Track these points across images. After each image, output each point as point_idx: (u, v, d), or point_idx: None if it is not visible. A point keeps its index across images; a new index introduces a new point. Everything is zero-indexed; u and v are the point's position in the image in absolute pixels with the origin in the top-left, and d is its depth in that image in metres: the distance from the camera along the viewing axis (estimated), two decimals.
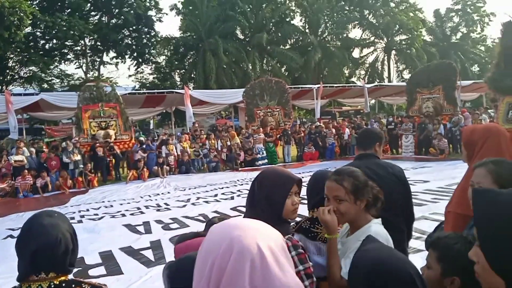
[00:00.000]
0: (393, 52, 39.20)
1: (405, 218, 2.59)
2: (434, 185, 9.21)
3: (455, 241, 1.47)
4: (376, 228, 1.83)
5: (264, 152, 16.21)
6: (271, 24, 34.10)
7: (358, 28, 38.69)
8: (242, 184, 11.64)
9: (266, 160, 16.10)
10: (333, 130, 17.53)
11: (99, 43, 32.72)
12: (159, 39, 34.11)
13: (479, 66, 41.05)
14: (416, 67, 35.48)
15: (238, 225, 0.90)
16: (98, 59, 34.41)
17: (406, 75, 37.99)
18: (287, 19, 35.21)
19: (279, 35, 34.37)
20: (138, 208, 9.19)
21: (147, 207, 9.31)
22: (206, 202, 9.37)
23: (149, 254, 5.66)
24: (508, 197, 1.04)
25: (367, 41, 39.35)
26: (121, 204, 9.89)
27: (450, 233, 1.61)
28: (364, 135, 2.89)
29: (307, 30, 35.96)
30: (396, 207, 2.47)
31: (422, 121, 15.96)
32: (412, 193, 2.77)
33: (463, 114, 16.30)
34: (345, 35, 36.73)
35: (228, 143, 16.15)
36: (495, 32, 56.80)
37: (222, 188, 11.28)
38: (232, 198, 9.68)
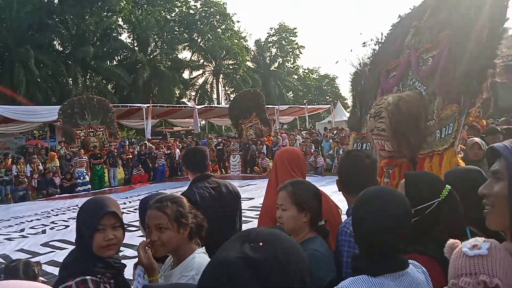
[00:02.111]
0: (221, 75, 41.39)
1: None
2: (258, 202, 9.69)
3: None
4: (200, 259, 1.77)
5: (87, 176, 14.60)
6: (95, 38, 31.81)
7: (188, 50, 39.59)
8: (57, 215, 10.12)
9: (89, 186, 14.52)
10: (164, 151, 17.11)
11: None
12: None
13: (293, 93, 46.82)
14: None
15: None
16: None
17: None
18: (114, 34, 33.47)
19: (105, 50, 32.31)
20: None
21: None
22: (9, 239, 7.76)
23: None
24: None
25: (197, 63, 40.58)
26: None
27: None
28: (198, 156, 2.87)
29: (136, 48, 34.90)
30: (236, 223, 2.77)
31: (246, 142, 16.99)
32: None
33: (281, 135, 18.02)
34: (175, 55, 37.02)
35: (40, 167, 14.00)
36: (305, 63, 66.08)
37: (32, 221, 9.57)
38: (44, 232, 8.27)
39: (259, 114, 18.14)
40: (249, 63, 43.09)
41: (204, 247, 1.89)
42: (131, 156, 16.55)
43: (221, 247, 0.89)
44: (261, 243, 0.83)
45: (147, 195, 2.48)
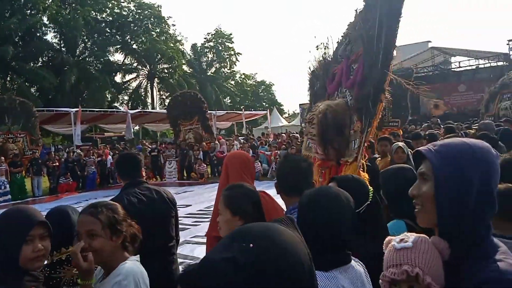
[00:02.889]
0: (156, 79, 40.38)
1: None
2: (195, 209, 9.55)
3: None
4: (131, 265, 1.72)
5: (7, 186, 13.41)
6: (18, 37, 29.48)
7: (121, 52, 38.18)
8: None
9: (9, 196, 13.34)
10: (94, 158, 16.24)
11: None
12: None
13: (230, 98, 46.97)
14: None
15: None
16: None
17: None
18: (38, 34, 31.30)
19: (29, 50, 30.03)
20: None
21: None
22: None
23: None
24: None
25: (130, 67, 39.24)
26: None
27: None
28: (130, 162, 2.80)
29: (63, 48, 32.91)
30: (169, 231, 2.73)
31: (183, 147, 16.68)
32: None
33: (219, 140, 17.95)
34: (106, 58, 35.47)
35: None
36: (242, 68, 66.72)
37: None
38: None
39: (201, 120, 17.76)
40: (185, 68, 42.53)
41: (138, 255, 1.84)
42: (57, 163, 15.50)
43: (213, 247, 0.83)
44: (251, 244, 0.76)
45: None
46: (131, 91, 39.80)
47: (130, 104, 35.76)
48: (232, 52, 46.53)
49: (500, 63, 25.94)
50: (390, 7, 2.87)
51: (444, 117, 18.94)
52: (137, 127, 27.54)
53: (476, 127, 7.89)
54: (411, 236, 1.15)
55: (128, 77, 39.69)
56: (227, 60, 46.77)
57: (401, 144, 5.12)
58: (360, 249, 1.55)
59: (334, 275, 1.38)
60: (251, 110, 37.06)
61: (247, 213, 1.87)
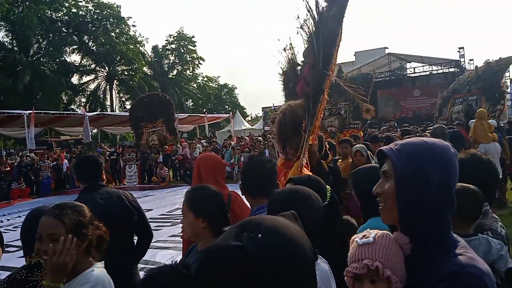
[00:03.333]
0: (115, 81, 39.28)
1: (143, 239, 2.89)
2: (157, 213, 9.36)
3: None
4: (99, 273, 1.67)
5: None
6: None
7: (78, 53, 36.85)
8: None
9: None
10: (49, 162, 15.54)
11: None
12: None
13: (192, 101, 46.49)
14: None
15: None
16: None
17: (129, 105, 38.67)
18: None
19: None
20: None
21: None
22: None
23: None
24: None
25: (88, 68, 37.96)
26: None
27: None
28: (90, 165, 2.73)
29: (15, 48, 31.32)
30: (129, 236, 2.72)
31: (144, 151, 16.32)
32: None
33: (182, 144, 17.70)
34: (62, 58, 34.12)
35: None
36: (205, 71, 66.16)
37: None
38: None
39: (167, 122, 17.47)
40: (146, 70, 41.66)
41: (103, 261, 1.78)
42: (9, 168, 14.70)
43: (222, 235, 0.87)
44: (260, 235, 0.81)
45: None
46: (89, 93, 38.49)
47: (88, 107, 34.53)
48: (195, 56, 46.09)
49: (452, 69, 27.28)
50: (331, 8, 2.96)
51: (401, 121, 19.68)
52: (95, 130, 26.65)
53: (430, 131, 8.24)
54: (373, 232, 1.18)
55: (85, 79, 38.40)
56: (189, 62, 46.29)
57: (359, 147, 5.28)
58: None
59: None
60: (214, 113, 36.86)
61: (210, 215, 1.85)
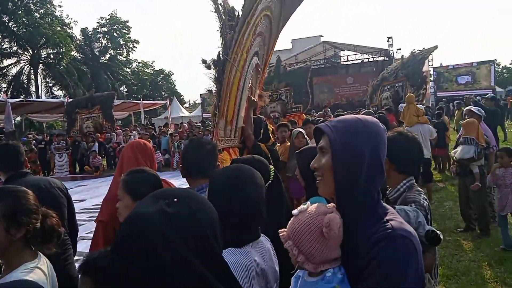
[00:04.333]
0: (41, 66, 36.54)
1: (70, 234, 2.69)
2: (91, 203, 8.98)
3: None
4: (20, 275, 1.44)
5: None
6: None
7: None
8: None
9: None
10: None
11: None
12: None
13: (127, 87, 44.59)
14: (66, 84, 34.55)
15: None
16: None
17: (56, 91, 36.25)
18: None
19: None
20: None
21: None
22: None
23: None
24: None
25: (9, 51, 34.87)
26: None
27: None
28: (10, 153, 2.59)
29: None
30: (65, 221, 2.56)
31: (75, 139, 15.47)
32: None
33: (116, 131, 16.99)
34: None
35: None
36: (139, 57, 63.44)
37: None
38: None
39: (104, 109, 16.81)
40: (75, 54, 39.17)
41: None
42: None
43: (137, 205, 0.93)
44: (175, 199, 0.89)
45: None
46: (10, 78, 35.46)
47: (9, 92, 31.85)
48: (129, 40, 44.07)
49: (381, 58, 28.82)
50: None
51: (335, 107, 20.50)
52: (19, 118, 24.71)
53: None
54: (306, 207, 1.23)
55: (6, 62, 35.28)
56: (123, 46, 44.20)
57: (301, 129, 5.43)
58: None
59: (247, 250, 1.42)
60: (150, 100, 35.73)
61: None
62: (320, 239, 1.14)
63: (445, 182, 9.22)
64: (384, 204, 1.25)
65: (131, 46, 44.58)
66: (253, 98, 4.18)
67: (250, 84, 4.08)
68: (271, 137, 4.75)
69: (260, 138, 4.13)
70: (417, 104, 8.34)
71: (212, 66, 3.22)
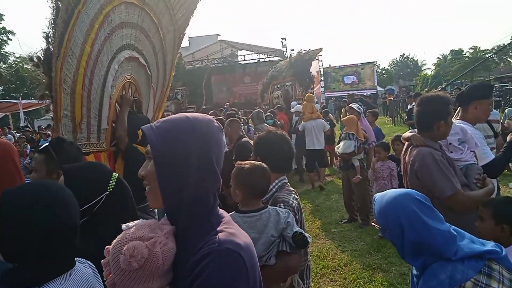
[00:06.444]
0: None
1: None
2: None
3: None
4: None
5: None
6: None
7: None
8: None
9: None
10: None
11: None
12: None
13: (1, 85, 39.55)
14: None
15: None
16: None
17: None
18: None
19: None
20: None
21: None
22: None
23: None
24: None
25: None
26: None
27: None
28: None
29: None
30: None
31: None
32: None
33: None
34: None
35: None
36: (16, 50, 56.25)
37: None
38: None
39: None
40: None
41: None
42: None
43: None
44: None
45: None
46: None
47: None
48: (2, 31, 39.15)
49: (276, 58, 29.90)
50: None
51: (234, 106, 20.67)
52: None
53: None
54: (135, 223, 1.05)
55: None
56: None
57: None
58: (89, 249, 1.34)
59: None
60: (31, 99, 32.23)
61: None
62: (120, 268, 0.95)
63: (333, 176, 9.80)
64: (221, 211, 1.12)
65: (4, 38, 39.70)
66: (129, 96, 3.83)
67: (124, 82, 3.72)
68: None
69: (139, 140, 3.78)
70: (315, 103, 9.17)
71: (40, 64, 2.82)
